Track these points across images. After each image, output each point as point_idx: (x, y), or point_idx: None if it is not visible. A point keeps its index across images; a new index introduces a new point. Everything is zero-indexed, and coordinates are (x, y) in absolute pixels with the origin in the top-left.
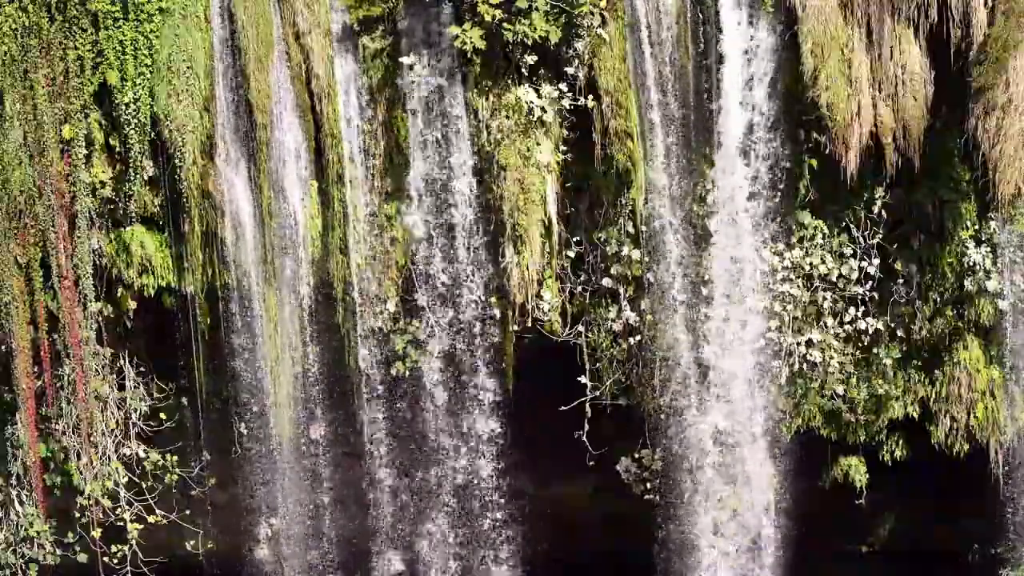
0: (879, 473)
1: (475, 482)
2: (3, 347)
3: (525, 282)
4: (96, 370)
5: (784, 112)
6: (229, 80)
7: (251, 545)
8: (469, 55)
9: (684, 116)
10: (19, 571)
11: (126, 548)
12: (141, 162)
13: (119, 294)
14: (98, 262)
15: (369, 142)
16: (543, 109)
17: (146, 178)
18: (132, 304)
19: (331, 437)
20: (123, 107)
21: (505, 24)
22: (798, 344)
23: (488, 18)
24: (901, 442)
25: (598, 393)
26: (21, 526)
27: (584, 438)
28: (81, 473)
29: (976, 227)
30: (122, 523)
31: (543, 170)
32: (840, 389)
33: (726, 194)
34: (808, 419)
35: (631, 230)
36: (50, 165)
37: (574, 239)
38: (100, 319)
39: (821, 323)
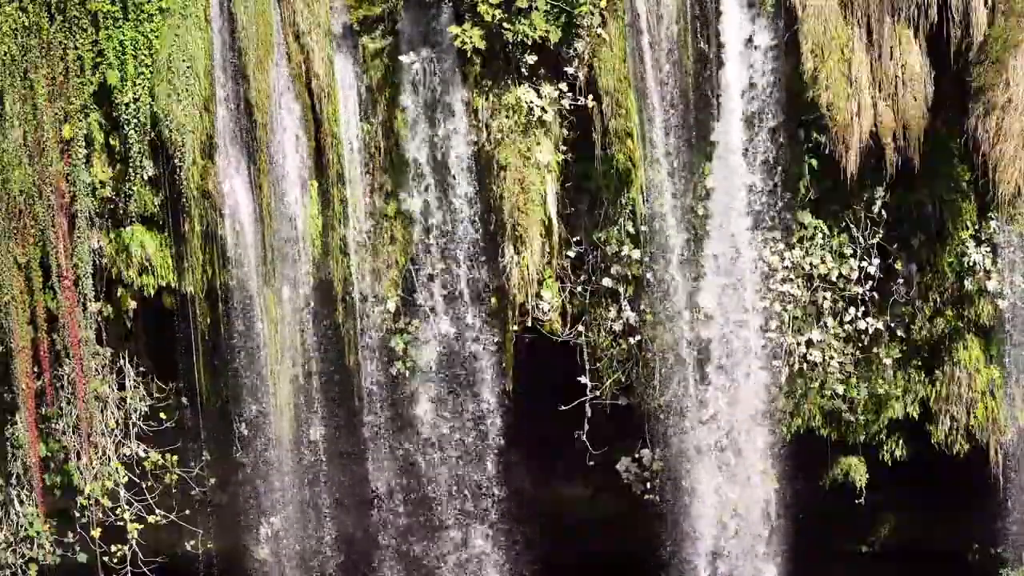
0: (879, 473)
1: (475, 482)
2: (3, 347)
3: (525, 282)
4: (96, 370)
5: (784, 112)
6: (229, 80)
7: (251, 545)
8: (469, 55)
9: (684, 116)
10: (19, 571)
11: (126, 548)
12: (141, 162)
13: (119, 294)
14: (98, 262)
15: (369, 142)
16: (543, 109)
17: (146, 178)
18: (132, 304)
19: (331, 437)
20: (123, 107)
21: (505, 24)
22: (798, 344)
23: (488, 18)
24: (901, 442)
25: (598, 393)
26: (21, 526)
27: (584, 438)
28: (81, 473)
29: (976, 227)
30: (122, 523)
31: (543, 170)
32: (840, 389)
33: (726, 193)
34: (808, 419)
35: (631, 230)
36: (50, 165)
37: (574, 239)
38: (100, 319)
39: (821, 323)
